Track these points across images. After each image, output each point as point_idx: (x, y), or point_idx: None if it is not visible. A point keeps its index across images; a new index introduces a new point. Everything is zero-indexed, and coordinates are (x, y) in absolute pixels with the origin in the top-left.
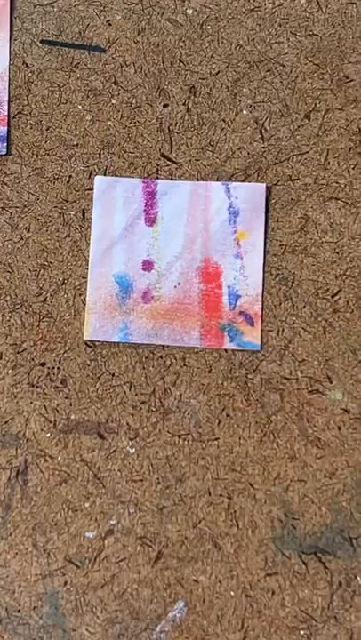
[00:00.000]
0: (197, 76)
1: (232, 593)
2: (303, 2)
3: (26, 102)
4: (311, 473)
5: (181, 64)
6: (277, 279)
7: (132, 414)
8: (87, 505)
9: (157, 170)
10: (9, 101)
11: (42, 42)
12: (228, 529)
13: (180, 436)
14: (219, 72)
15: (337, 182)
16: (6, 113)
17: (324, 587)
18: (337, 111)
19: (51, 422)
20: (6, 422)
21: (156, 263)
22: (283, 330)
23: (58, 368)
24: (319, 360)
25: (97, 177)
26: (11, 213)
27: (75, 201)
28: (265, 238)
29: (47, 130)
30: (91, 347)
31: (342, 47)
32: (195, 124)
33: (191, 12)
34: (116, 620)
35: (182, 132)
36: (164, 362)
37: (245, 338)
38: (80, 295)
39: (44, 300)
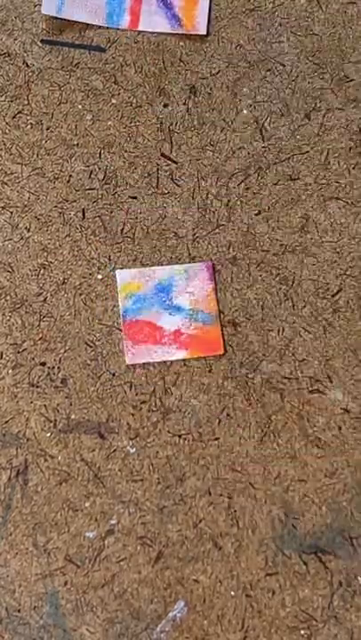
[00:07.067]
0: (198, 76)
1: (232, 593)
2: (303, 1)
3: (26, 102)
4: (311, 473)
5: (182, 64)
6: (277, 279)
7: (133, 414)
8: (87, 505)
9: (158, 169)
10: None
11: (42, 41)
12: (228, 529)
13: (180, 436)
14: (219, 72)
15: (337, 182)
16: None
17: (324, 586)
18: (337, 111)
19: (51, 422)
20: (6, 422)
21: None
22: (283, 330)
23: (58, 368)
24: (319, 360)
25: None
26: (11, 213)
27: (75, 201)
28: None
29: (47, 129)
30: (91, 346)
31: (342, 47)
32: (195, 123)
33: None
34: (116, 620)
35: (183, 132)
36: (165, 362)
37: None
38: (80, 295)
39: (44, 299)
